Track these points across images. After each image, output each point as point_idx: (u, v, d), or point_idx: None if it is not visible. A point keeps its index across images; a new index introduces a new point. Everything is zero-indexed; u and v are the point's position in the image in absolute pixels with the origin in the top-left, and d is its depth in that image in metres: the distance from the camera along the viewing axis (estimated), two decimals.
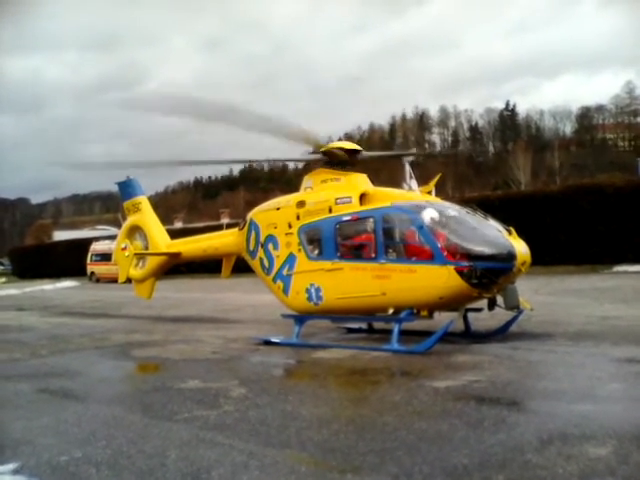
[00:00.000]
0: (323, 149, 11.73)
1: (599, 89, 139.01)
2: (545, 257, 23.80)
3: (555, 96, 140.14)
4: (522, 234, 10.21)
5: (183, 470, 4.58)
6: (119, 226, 17.81)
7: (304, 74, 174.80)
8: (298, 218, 11.38)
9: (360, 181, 11.41)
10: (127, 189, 16.88)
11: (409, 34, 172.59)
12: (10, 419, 6.60)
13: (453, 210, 10.33)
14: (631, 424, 5.21)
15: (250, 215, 12.67)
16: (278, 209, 11.88)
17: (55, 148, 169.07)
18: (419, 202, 10.41)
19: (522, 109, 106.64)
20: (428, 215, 9.87)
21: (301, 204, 11.43)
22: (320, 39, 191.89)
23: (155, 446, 5.24)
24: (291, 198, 11.86)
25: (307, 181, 11.87)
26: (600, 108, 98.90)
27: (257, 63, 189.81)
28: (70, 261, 51.22)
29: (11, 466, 4.91)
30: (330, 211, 10.99)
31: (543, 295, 16.61)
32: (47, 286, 39.73)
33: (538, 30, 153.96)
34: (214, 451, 4.99)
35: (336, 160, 11.64)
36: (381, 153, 13.50)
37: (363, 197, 10.96)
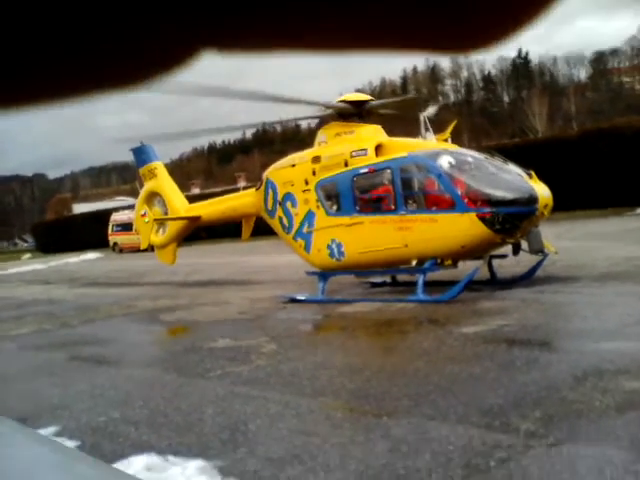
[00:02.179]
0: (331, 105, 11.59)
1: (615, 32, 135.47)
2: (566, 202, 23.52)
3: (569, 41, 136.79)
4: (542, 180, 10.07)
5: (221, 424, 4.65)
6: (137, 196, 17.83)
7: None
8: (314, 174, 11.29)
9: (374, 132, 11.26)
10: (142, 155, 16.84)
11: None
12: (46, 386, 6.69)
13: (471, 156, 10.21)
14: None
15: (266, 174, 12.60)
16: (293, 166, 11.80)
17: (68, 122, 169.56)
18: (436, 150, 10.28)
19: (535, 56, 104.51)
20: (446, 162, 9.76)
21: (316, 159, 11.33)
22: None
23: (191, 403, 5.31)
24: (306, 154, 11.76)
25: (321, 135, 11.74)
26: (615, 52, 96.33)
27: None
28: (92, 233, 51.60)
29: (52, 429, 5.01)
30: (346, 165, 10.88)
31: (566, 240, 16.46)
32: (71, 259, 40.12)
33: None
34: (250, 404, 5.05)
35: (346, 113, 11.50)
36: (388, 100, 13.28)
37: (379, 148, 10.83)
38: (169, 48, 0.32)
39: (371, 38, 0.32)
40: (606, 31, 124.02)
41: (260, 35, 0.32)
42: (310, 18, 0.31)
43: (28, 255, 58.28)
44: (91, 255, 42.78)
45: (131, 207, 29.47)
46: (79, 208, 77.69)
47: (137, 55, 0.32)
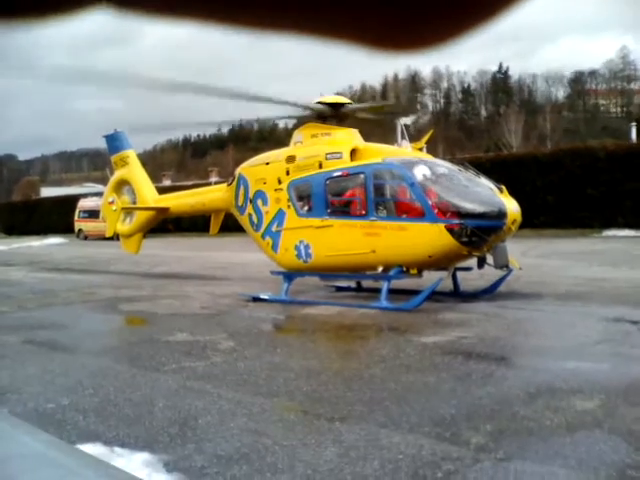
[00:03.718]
0: (309, 106, 11.57)
1: (595, 54, 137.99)
2: (534, 220, 23.88)
3: (550, 61, 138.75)
4: (512, 196, 10.16)
5: (170, 418, 4.57)
6: (107, 183, 17.62)
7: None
8: (288, 173, 11.25)
9: (351, 136, 11.26)
10: (115, 142, 16.65)
11: None
12: None
13: (445, 167, 10.26)
14: (619, 380, 5.24)
15: (239, 170, 12.52)
16: (267, 164, 11.74)
17: (45, 104, 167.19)
18: (410, 158, 10.32)
19: (515, 72, 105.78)
20: (419, 171, 9.80)
21: (291, 159, 11.29)
22: None
23: (143, 395, 5.22)
24: (281, 153, 11.72)
25: (297, 135, 11.70)
26: (593, 73, 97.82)
27: None
28: (58, 218, 50.91)
29: None
30: (320, 166, 10.85)
31: (531, 257, 16.65)
32: (34, 242, 39.46)
33: None
34: (202, 400, 4.98)
35: (324, 115, 11.48)
36: (366, 105, 13.33)
37: (354, 152, 10.83)
38: None
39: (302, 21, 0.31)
40: (587, 51, 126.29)
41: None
42: None
43: None
44: (55, 240, 42.16)
45: (100, 194, 29.14)
46: (47, 192, 76.55)
47: None
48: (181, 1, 0.29)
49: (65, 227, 47.11)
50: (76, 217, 45.38)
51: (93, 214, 40.42)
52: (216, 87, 10.27)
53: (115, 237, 16.90)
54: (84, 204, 45.03)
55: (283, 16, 0.30)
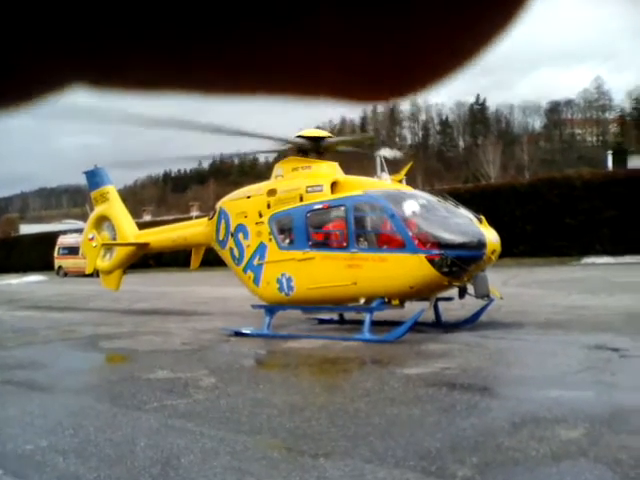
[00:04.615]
0: (290, 140, 11.66)
1: (570, 85, 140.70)
2: (513, 249, 24.09)
3: (527, 91, 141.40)
4: (491, 226, 10.25)
5: (152, 457, 4.50)
6: (87, 220, 17.52)
7: None
8: (269, 207, 11.27)
9: (331, 169, 11.34)
10: (95, 178, 16.60)
11: None
12: None
13: (424, 198, 10.34)
14: (602, 408, 5.25)
15: (220, 204, 12.51)
16: (249, 197, 11.76)
17: (24, 141, 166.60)
18: (390, 190, 10.39)
19: (492, 103, 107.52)
20: (399, 203, 9.87)
21: (272, 192, 11.32)
22: None
23: (124, 434, 5.14)
24: (262, 186, 11.75)
25: (278, 169, 11.75)
26: (569, 102, 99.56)
27: None
28: (37, 255, 50.40)
29: None
30: (301, 199, 10.89)
31: (512, 286, 16.74)
32: (13, 280, 38.97)
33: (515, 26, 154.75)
34: (184, 438, 4.91)
35: (304, 148, 11.56)
36: (347, 138, 13.48)
37: (334, 185, 10.89)
38: (41, 75, 0.30)
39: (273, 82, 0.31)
40: (563, 82, 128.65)
41: (141, 74, 0.29)
42: (208, 58, 0.29)
43: None
44: (34, 277, 41.67)
45: (79, 230, 28.96)
46: (27, 229, 75.89)
47: (8, 76, 0.30)
48: (168, 72, 0.30)
49: (44, 264, 46.62)
50: (56, 254, 44.93)
51: (73, 251, 40.08)
52: (198, 122, 10.32)
53: (95, 274, 16.71)
54: (64, 241, 44.67)
55: (264, 80, 0.31)
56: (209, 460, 4.37)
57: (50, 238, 48.00)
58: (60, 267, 44.48)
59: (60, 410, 6.21)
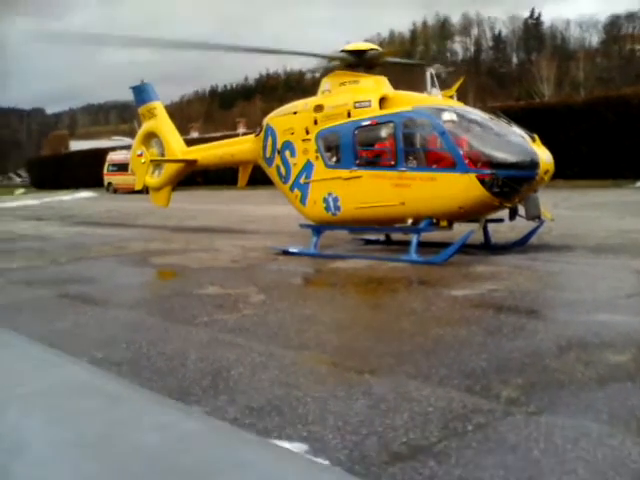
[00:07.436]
0: (334, 56, 11.37)
1: None
2: (567, 170, 23.39)
3: (585, 4, 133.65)
4: (545, 146, 9.93)
5: (203, 370, 4.64)
6: (135, 136, 17.61)
7: None
8: (316, 123, 11.08)
9: (380, 84, 11.02)
10: (141, 94, 16.57)
11: None
12: (29, 322, 6.57)
13: (476, 115, 10.04)
14: None
15: (266, 120, 12.37)
16: (295, 113, 11.58)
17: (71, 56, 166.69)
18: (441, 106, 10.05)
19: (547, 18, 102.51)
20: (451, 120, 9.58)
21: (319, 108, 11.11)
22: None
23: (175, 348, 5.29)
24: (309, 102, 11.52)
25: (325, 84, 11.47)
26: (631, 16, 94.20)
27: None
28: (87, 171, 51.30)
29: None
30: (349, 115, 10.67)
31: (564, 209, 16.38)
32: (65, 197, 39.93)
33: None
34: (233, 352, 5.04)
35: (350, 63, 11.25)
36: (396, 59, 13.10)
37: (383, 101, 10.61)
38: None
39: None
40: None
41: None
42: None
43: (22, 190, 58.06)
44: (85, 194, 42.60)
45: (128, 147, 29.21)
46: (76, 145, 77.02)
47: None
48: None
49: (94, 181, 47.45)
50: (105, 171, 45.63)
51: (122, 167, 40.62)
52: (243, 45, 10.18)
53: (144, 190, 16.93)
54: (113, 157, 45.23)
55: None
56: (258, 374, 4.49)
57: (99, 155, 48.68)
58: (110, 184, 45.24)
59: (113, 323, 6.41)
